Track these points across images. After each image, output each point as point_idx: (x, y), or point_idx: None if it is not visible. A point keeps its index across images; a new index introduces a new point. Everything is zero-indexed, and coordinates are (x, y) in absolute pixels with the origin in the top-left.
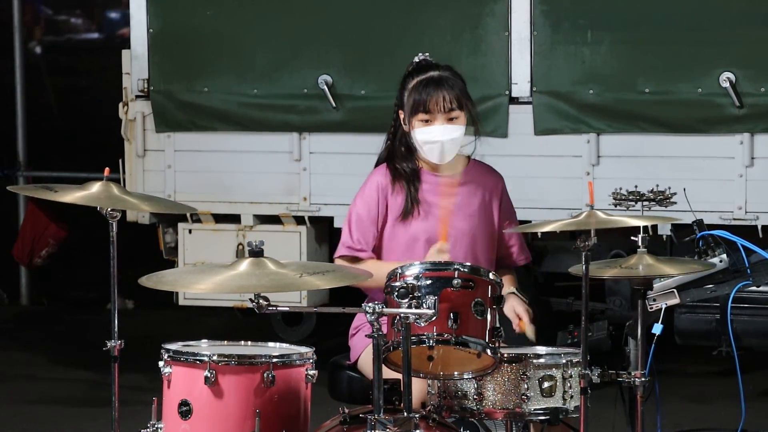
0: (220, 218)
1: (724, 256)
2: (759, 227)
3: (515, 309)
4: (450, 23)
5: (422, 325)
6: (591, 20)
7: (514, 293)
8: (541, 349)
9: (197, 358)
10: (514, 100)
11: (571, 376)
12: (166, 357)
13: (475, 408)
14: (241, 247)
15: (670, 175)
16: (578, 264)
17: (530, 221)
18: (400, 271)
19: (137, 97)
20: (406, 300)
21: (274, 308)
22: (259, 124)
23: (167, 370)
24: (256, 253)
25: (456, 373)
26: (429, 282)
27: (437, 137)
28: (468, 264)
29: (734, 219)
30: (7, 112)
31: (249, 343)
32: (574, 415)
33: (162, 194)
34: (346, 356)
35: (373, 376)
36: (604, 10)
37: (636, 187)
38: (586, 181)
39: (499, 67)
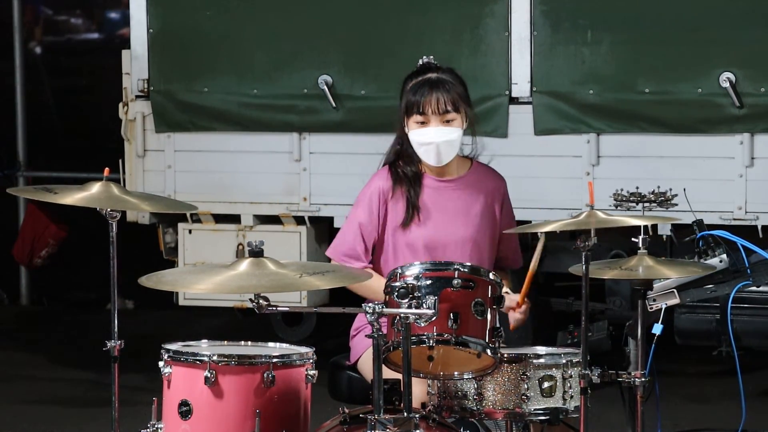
0: (220, 218)
1: (724, 256)
2: (759, 227)
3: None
4: (450, 23)
5: (422, 325)
6: (591, 20)
7: (507, 293)
8: (541, 349)
9: (197, 358)
10: (514, 100)
11: (571, 376)
12: (166, 357)
13: (475, 408)
14: (241, 247)
15: (670, 176)
16: (578, 264)
17: (530, 221)
18: (400, 271)
19: (137, 97)
20: (406, 300)
21: (274, 308)
22: (259, 124)
23: (167, 370)
24: (256, 253)
25: (456, 373)
26: (429, 282)
27: (432, 139)
28: (468, 264)
29: (734, 219)
30: (7, 112)
31: (249, 343)
32: (574, 415)
33: (162, 194)
34: (346, 356)
35: (373, 376)
36: (604, 10)
37: (637, 188)
38: (586, 181)
39: (499, 67)
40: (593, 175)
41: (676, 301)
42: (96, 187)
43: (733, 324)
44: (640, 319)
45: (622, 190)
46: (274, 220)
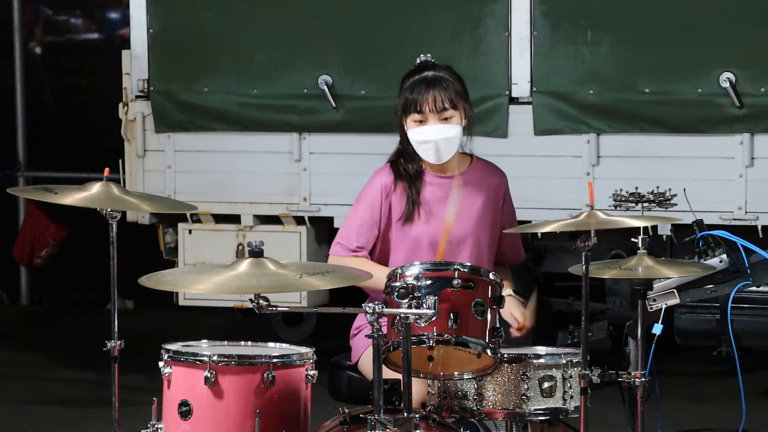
0: (220, 218)
1: (724, 256)
2: (759, 227)
3: (512, 312)
4: (450, 23)
5: (422, 325)
6: (591, 20)
7: (511, 295)
8: (541, 349)
9: (197, 358)
10: (514, 101)
11: (571, 377)
12: (166, 357)
13: (475, 408)
14: (241, 247)
15: (670, 176)
16: (578, 264)
17: (530, 221)
18: (400, 271)
19: (137, 97)
20: (406, 300)
21: (274, 308)
22: (259, 125)
23: (167, 370)
24: (256, 253)
25: (456, 373)
26: (429, 282)
27: (430, 137)
28: (468, 264)
29: (734, 219)
30: (7, 112)
31: (249, 343)
32: (574, 416)
33: (162, 194)
34: (347, 356)
35: (373, 376)
36: (604, 10)
37: (636, 188)
38: (586, 181)
39: (499, 67)
40: (593, 175)
41: (676, 301)
42: (96, 187)
43: (733, 324)
44: (640, 319)
45: (621, 190)
46: (274, 220)
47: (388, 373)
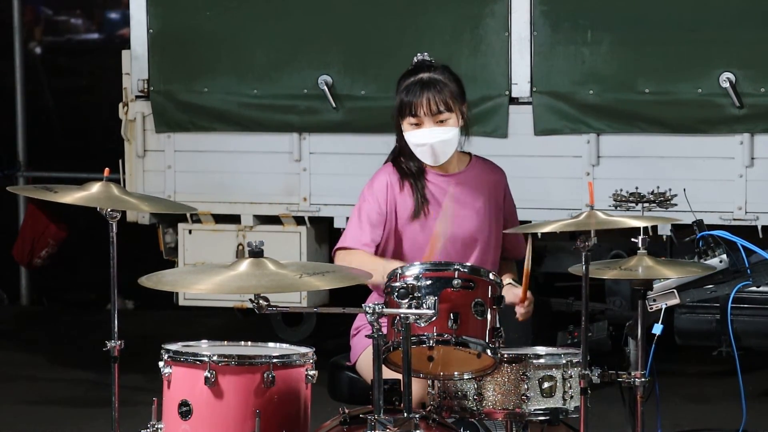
0: (220, 218)
1: (724, 256)
2: (759, 227)
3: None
4: (450, 23)
5: (422, 325)
6: (591, 20)
7: (510, 283)
8: (541, 350)
9: (197, 358)
10: (514, 101)
11: (571, 377)
12: (166, 357)
13: (475, 408)
14: (241, 247)
15: (670, 176)
16: (578, 264)
17: (530, 221)
18: (400, 271)
19: (137, 97)
20: (406, 300)
21: (274, 309)
22: (259, 125)
23: (167, 370)
24: (256, 253)
25: (456, 373)
26: (429, 282)
27: (426, 140)
28: (468, 264)
29: (734, 219)
30: (7, 112)
31: (249, 343)
32: (574, 416)
33: (162, 195)
34: (347, 357)
35: (373, 376)
36: (604, 10)
37: (636, 188)
38: (586, 181)
39: (499, 68)
40: (593, 176)
41: (676, 301)
42: (96, 187)
43: (733, 324)
44: (640, 319)
45: (621, 190)
46: (274, 220)
47: (388, 373)
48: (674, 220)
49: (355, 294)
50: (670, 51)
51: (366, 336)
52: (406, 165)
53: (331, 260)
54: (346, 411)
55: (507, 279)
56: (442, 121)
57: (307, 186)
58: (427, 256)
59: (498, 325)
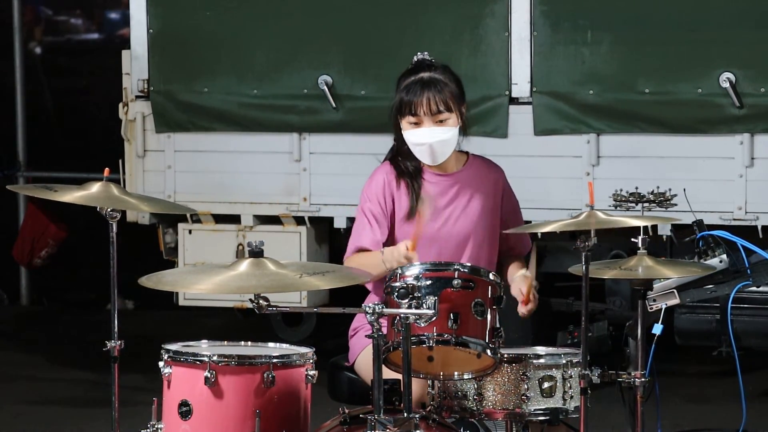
0: (220, 218)
1: (724, 256)
2: (759, 227)
3: (521, 288)
4: (450, 23)
5: (422, 325)
6: (591, 20)
7: (525, 275)
8: (541, 350)
9: (197, 358)
10: (514, 101)
11: (571, 377)
12: (166, 357)
13: (475, 408)
14: (241, 247)
15: (670, 176)
16: (578, 264)
17: (530, 221)
18: (400, 271)
19: (137, 97)
20: (406, 300)
21: (274, 309)
22: (259, 125)
23: (167, 370)
24: (256, 253)
25: (456, 373)
26: (429, 282)
27: (425, 140)
28: (468, 264)
29: (734, 219)
30: (7, 112)
31: (249, 343)
32: (574, 416)
33: (162, 195)
34: (346, 357)
35: (373, 376)
36: (604, 10)
37: (636, 188)
38: (586, 181)
39: (499, 68)
40: (593, 176)
41: (676, 301)
42: (96, 187)
43: (733, 324)
44: (640, 319)
45: (621, 190)
46: (274, 220)
47: (387, 373)
48: (674, 220)
49: (355, 294)
50: (670, 51)
51: (366, 336)
52: (404, 164)
53: (330, 260)
54: (346, 411)
55: (522, 271)
56: (441, 121)
57: (307, 186)
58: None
59: (498, 325)
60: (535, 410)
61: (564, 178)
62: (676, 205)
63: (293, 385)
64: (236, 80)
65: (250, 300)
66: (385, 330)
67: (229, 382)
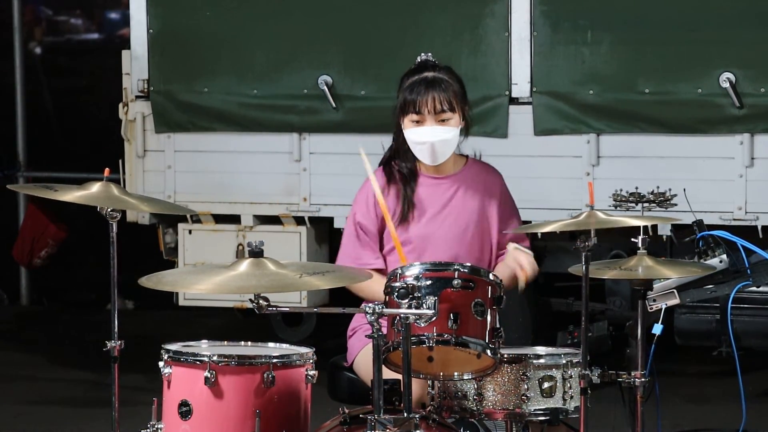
0: (220, 219)
1: (724, 256)
2: (759, 227)
3: (518, 259)
4: (450, 23)
5: (422, 325)
6: (591, 20)
7: (517, 248)
8: (541, 350)
9: (197, 358)
10: (514, 101)
11: (571, 377)
12: (166, 357)
13: (475, 408)
14: (241, 247)
15: (670, 176)
16: (578, 264)
17: (530, 221)
18: (400, 271)
19: (137, 97)
20: (406, 300)
21: (274, 309)
22: (259, 125)
23: (167, 370)
24: (256, 253)
25: (456, 373)
26: (429, 282)
27: (427, 138)
28: (468, 264)
29: (734, 219)
30: (7, 112)
31: (249, 343)
32: (574, 416)
33: (162, 195)
34: (345, 357)
35: (373, 376)
36: (604, 10)
37: (636, 188)
38: (586, 181)
39: (499, 68)
40: (593, 176)
41: (676, 301)
42: (96, 187)
43: (733, 324)
44: (640, 319)
45: (621, 190)
46: (274, 220)
47: (387, 374)
48: (674, 220)
49: (353, 294)
50: (670, 51)
51: (366, 336)
52: (399, 168)
53: (331, 260)
54: (346, 411)
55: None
56: (444, 120)
57: (307, 186)
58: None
59: (498, 326)
60: (535, 410)
61: (564, 178)
62: (676, 205)
63: (293, 385)
64: (236, 80)
65: (250, 300)
66: (384, 330)
67: (229, 382)
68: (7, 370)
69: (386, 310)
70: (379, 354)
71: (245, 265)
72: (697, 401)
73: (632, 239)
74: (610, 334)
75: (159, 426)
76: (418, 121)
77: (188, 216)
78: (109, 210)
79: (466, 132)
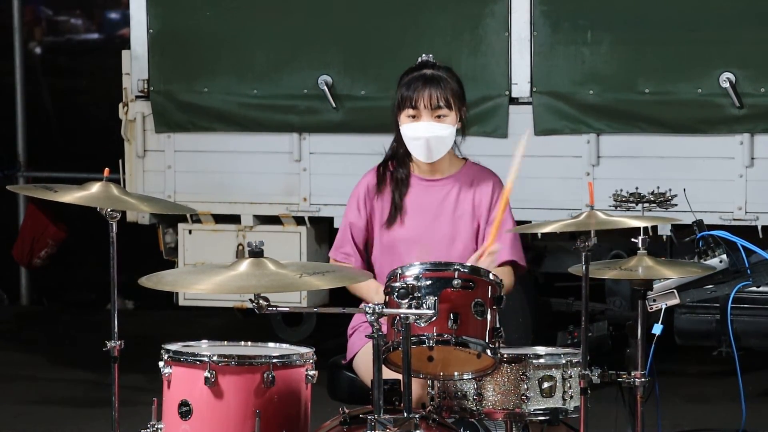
0: (220, 218)
1: (724, 256)
2: (759, 227)
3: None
4: (450, 23)
5: (422, 325)
6: (591, 20)
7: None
8: (541, 350)
9: (197, 358)
10: (514, 101)
11: (571, 377)
12: (166, 357)
13: (475, 408)
14: (241, 247)
15: (670, 176)
16: (578, 264)
17: (530, 221)
18: (400, 271)
19: (137, 97)
20: (406, 300)
21: (274, 309)
22: (259, 125)
23: (167, 370)
24: (256, 253)
25: (456, 373)
26: (429, 282)
27: (422, 134)
28: (468, 264)
29: (734, 219)
30: (7, 112)
31: (249, 343)
32: (573, 416)
33: (162, 195)
34: (345, 356)
35: (373, 376)
36: (604, 10)
37: (636, 188)
38: (586, 181)
39: (499, 68)
40: (593, 176)
41: (676, 301)
42: (96, 188)
43: (733, 324)
44: (640, 319)
45: (621, 190)
46: (274, 220)
47: (387, 373)
48: (674, 220)
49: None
50: (670, 51)
51: (366, 336)
52: (393, 171)
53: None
54: (346, 411)
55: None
56: (440, 117)
57: (307, 186)
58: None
59: (498, 325)
60: (534, 410)
61: (564, 178)
62: (676, 205)
63: (293, 385)
64: (236, 80)
65: (250, 300)
66: (384, 330)
67: (229, 382)
68: (7, 370)
69: (386, 310)
70: (379, 354)
71: (245, 265)
72: (697, 401)
73: (632, 239)
74: (610, 334)
75: (159, 426)
76: (414, 116)
77: (188, 216)
78: (109, 210)
79: (462, 133)
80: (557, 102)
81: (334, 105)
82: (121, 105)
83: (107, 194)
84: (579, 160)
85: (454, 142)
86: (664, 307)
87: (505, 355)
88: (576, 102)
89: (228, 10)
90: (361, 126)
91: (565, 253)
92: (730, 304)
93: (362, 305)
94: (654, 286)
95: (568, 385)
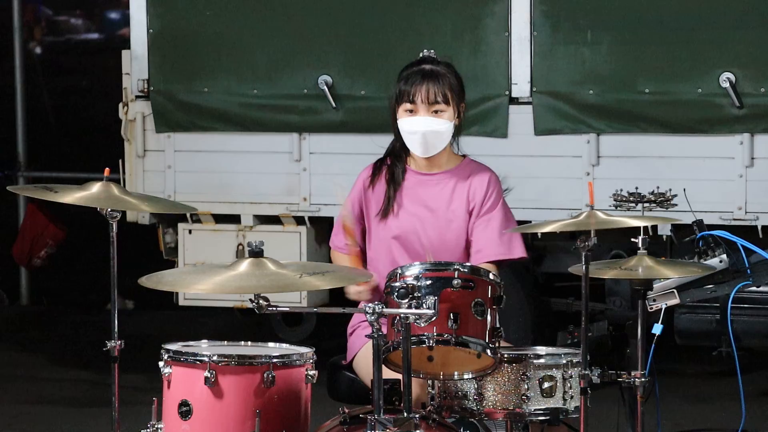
0: (220, 218)
1: (724, 256)
2: (759, 227)
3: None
4: (450, 23)
5: (422, 325)
6: (591, 20)
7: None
8: (541, 350)
9: (197, 358)
10: (514, 101)
11: (571, 377)
12: (166, 357)
13: (475, 408)
14: (241, 247)
15: (670, 176)
16: (578, 264)
17: (530, 221)
18: (400, 271)
19: (137, 97)
20: (406, 300)
21: (274, 308)
22: (259, 125)
23: (167, 370)
24: (256, 253)
25: (456, 373)
26: (429, 282)
27: (419, 128)
28: (468, 264)
29: (734, 219)
30: (7, 112)
31: (249, 343)
32: (574, 416)
33: (162, 194)
34: (344, 355)
35: (373, 376)
36: (604, 10)
37: (636, 188)
38: (586, 181)
39: (499, 68)
40: (593, 176)
41: (676, 301)
42: (96, 187)
43: (733, 324)
44: (640, 319)
45: (621, 190)
46: (274, 220)
47: (387, 373)
48: (674, 220)
49: None
50: (670, 51)
51: (366, 336)
52: (390, 166)
53: (331, 260)
54: (346, 411)
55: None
56: (437, 112)
57: (307, 186)
58: (393, 257)
59: (498, 325)
60: (535, 410)
61: (564, 178)
62: (676, 205)
63: (293, 385)
64: (236, 80)
65: (250, 300)
66: (384, 330)
67: (229, 382)
68: (7, 370)
69: (386, 310)
70: (379, 354)
71: (245, 265)
72: (697, 401)
73: (632, 239)
74: (610, 334)
75: (159, 426)
76: (411, 111)
77: (188, 216)
78: (109, 210)
79: (459, 130)
80: (557, 102)
81: (334, 105)
82: (121, 105)
83: (107, 194)
84: (579, 160)
85: (453, 138)
86: (664, 307)
87: (505, 355)
88: (576, 102)
89: (228, 10)
90: (361, 126)
91: (565, 253)
92: (730, 304)
93: (362, 305)
94: (654, 286)
95: (569, 385)
